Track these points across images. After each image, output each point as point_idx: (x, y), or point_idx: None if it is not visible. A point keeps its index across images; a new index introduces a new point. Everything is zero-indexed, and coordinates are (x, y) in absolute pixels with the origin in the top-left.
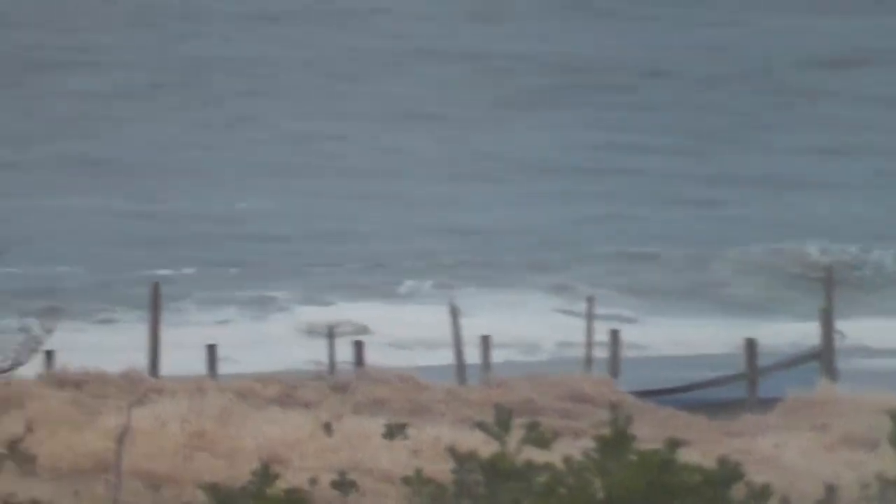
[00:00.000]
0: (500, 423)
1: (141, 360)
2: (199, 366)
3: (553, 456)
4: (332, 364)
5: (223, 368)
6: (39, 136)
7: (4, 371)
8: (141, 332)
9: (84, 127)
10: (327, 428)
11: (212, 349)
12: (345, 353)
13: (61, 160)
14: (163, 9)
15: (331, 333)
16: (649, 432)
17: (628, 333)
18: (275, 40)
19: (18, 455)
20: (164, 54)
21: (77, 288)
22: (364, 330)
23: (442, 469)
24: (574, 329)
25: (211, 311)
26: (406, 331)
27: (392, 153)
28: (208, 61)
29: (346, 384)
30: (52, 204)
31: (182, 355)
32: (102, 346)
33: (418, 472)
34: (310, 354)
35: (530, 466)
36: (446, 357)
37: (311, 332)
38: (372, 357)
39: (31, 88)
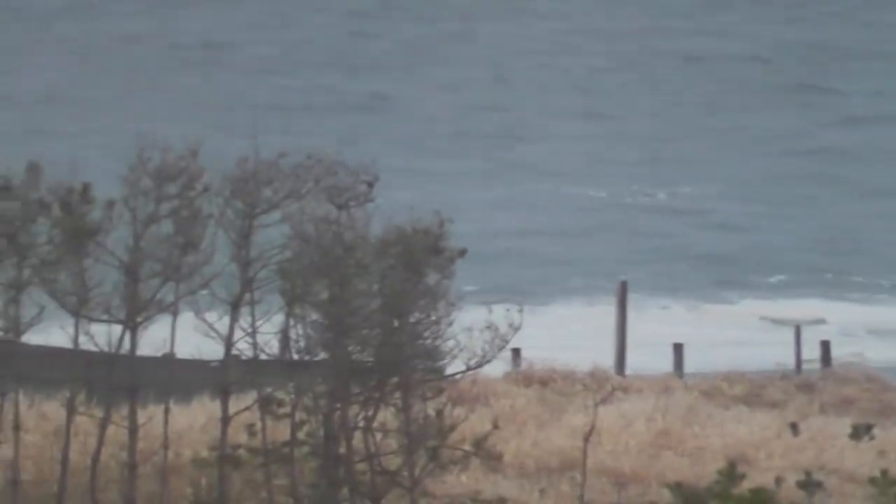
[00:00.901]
0: None
1: (605, 357)
2: (661, 363)
3: None
4: (798, 363)
5: (687, 366)
6: None
7: (472, 369)
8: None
9: None
10: (794, 428)
11: (678, 348)
12: (810, 349)
13: None
14: None
15: (797, 332)
16: None
17: None
18: None
19: (485, 452)
20: None
21: (530, 283)
22: (821, 323)
23: None
24: None
25: (673, 307)
26: (860, 326)
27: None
28: None
29: (812, 383)
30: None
31: (646, 352)
32: (563, 337)
33: (884, 472)
34: (771, 352)
35: None
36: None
37: (771, 328)
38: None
39: None
